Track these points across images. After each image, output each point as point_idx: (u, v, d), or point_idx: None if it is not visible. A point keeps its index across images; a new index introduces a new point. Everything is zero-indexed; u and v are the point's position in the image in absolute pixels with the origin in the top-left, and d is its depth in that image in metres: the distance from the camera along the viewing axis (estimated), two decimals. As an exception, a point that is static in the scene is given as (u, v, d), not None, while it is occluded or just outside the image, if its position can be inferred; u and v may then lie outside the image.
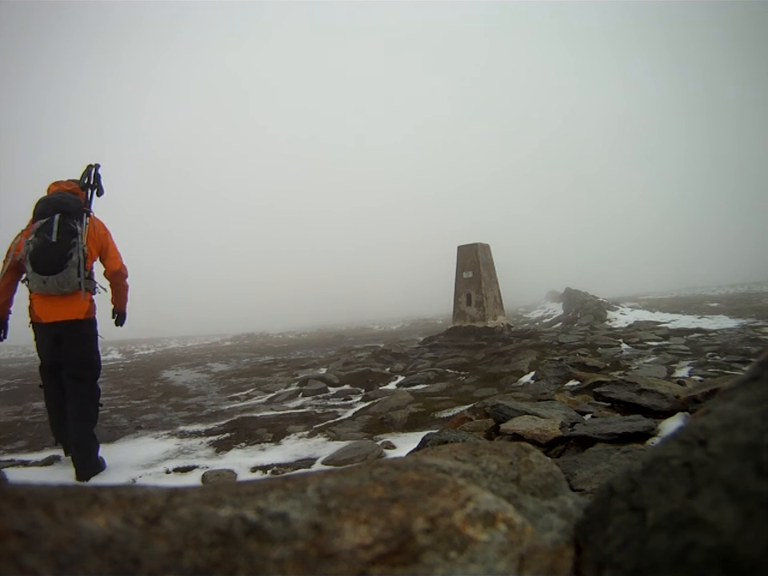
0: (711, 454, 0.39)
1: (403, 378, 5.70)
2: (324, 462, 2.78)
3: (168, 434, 3.98)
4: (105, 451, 3.57)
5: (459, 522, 0.43)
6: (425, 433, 2.39)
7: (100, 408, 3.20)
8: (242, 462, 2.96)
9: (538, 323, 14.65)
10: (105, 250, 3.02)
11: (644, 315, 10.77)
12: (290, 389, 5.86)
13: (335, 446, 3.07)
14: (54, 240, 2.68)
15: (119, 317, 3.34)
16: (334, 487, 0.45)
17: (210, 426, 4.18)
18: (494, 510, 0.45)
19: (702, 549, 0.33)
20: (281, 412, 4.50)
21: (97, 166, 3.13)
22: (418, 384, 5.15)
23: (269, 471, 2.76)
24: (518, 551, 0.42)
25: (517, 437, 1.80)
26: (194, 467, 2.95)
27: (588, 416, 2.12)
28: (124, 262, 3.16)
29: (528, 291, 33.18)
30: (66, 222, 2.75)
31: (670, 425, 1.71)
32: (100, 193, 3.15)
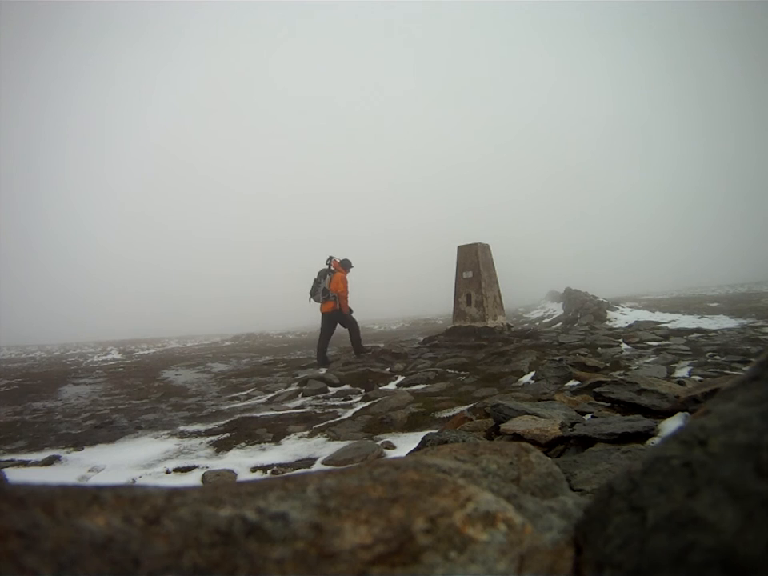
0: (711, 454, 0.39)
1: (403, 377, 5.70)
2: (324, 462, 2.77)
3: (168, 434, 3.98)
4: (105, 451, 3.58)
5: (459, 522, 0.43)
6: (425, 433, 2.38)
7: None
8: (242, 462, 2.96)
9: (538, 323, 14.64)
10: (337, 286, 7.51)
11: (644, 315, 10.75)
12: (290, 389, 5.85)
13: (335, 446, 3.07)
14: (313, 285, 7.74)
15: (341, 313, 7.66)
16: (334, 487, 0.45)
17: (210, 425, 4.18)
18: (494, 510, 0.45)
19: (702, 549, 0.33)
20: (281, 412, 4.50)
21: (331, 257, 7.79)
22: (418, 384, 5.15)
23: (269, 471, 2.76)
24: (518, 551, 0.42)
25: (517, 437, 1.80)
26: (194, 467, 2.95)
27: (588, 416, 2.12)
28: (346, 288, 7.61)
29: (528, 291, 33.13)
30: (317, 280, 7.71)
31: (670, 425, 1.71)
32: (332, 268, 7.77)
